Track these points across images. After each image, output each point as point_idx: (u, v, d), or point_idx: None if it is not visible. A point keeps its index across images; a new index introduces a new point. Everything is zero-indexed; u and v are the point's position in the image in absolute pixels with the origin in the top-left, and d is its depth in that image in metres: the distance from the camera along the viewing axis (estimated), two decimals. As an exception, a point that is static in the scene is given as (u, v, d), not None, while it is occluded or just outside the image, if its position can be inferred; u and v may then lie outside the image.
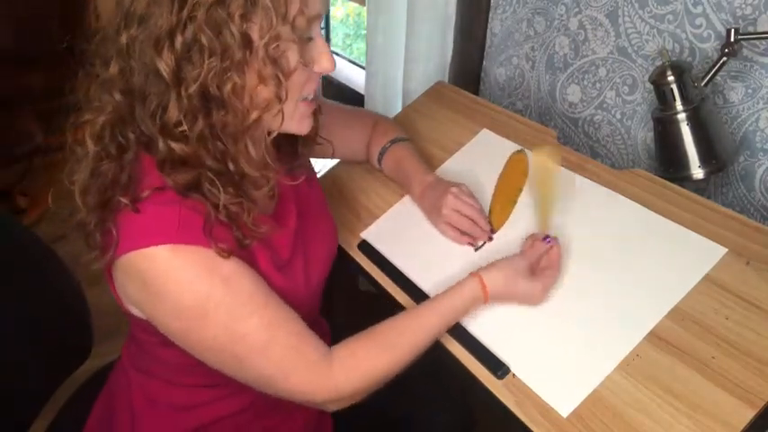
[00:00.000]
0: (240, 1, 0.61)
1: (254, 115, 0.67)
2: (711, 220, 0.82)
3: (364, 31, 1.65)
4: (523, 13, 1.32)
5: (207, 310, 0.66)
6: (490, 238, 0.94)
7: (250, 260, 0.71)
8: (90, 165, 0.68)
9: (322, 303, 0.93)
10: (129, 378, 0.86)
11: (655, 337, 0.74)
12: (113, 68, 0.66)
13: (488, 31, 1.42)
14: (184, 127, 0.64)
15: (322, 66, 0.71)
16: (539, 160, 0.95)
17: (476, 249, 0.93)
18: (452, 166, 1.09)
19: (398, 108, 1.53)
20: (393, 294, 0.93)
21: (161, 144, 0.65)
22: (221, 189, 0.67)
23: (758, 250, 0.77)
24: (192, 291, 0.66)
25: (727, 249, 0.79)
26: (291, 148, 0.86)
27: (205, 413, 0.83)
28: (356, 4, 2.28)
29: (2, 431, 0.87)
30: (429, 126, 1.19)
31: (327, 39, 2.17)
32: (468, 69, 1.47)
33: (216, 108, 0.65)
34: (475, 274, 0.80)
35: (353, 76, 1.98)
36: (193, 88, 0.62)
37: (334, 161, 1.17)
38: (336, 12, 2.45)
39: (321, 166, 1.15)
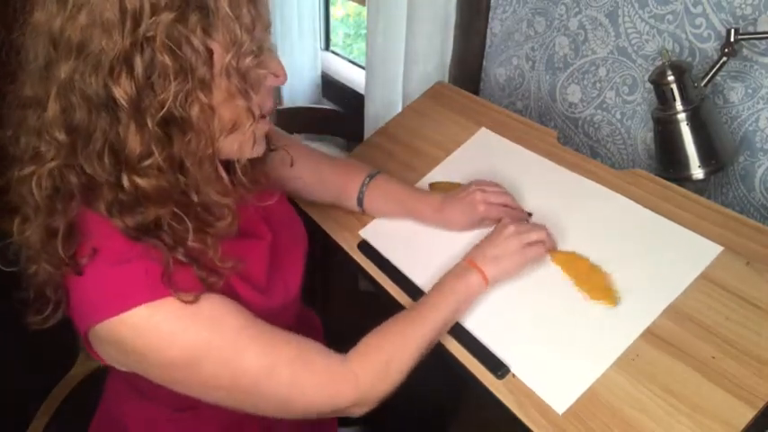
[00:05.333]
0: (199, 14, 0.57)
1: (222, 137, 0.63)
2: (711, 220, 0.82)
3: (364, 31, 1.65)
4: (523, 13, 1.32)
5: (197, 357, 0.63)
6: (530, 215, 0.95)
7: (229, 293, 0.69)
8: (43, 221, 0.62)
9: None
10: (125, 408, 0.84)
11: (655, 336, 0.74)
12: (52, 108, 0.58)
13: (488, 31, 1.42)
14: (150, 160, 0.59)
15: (275, 79, 0.68)
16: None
17: None
18: (450, 165, 1.09)
19: (398, 108, 1.53)
20: (393, 294, 0.93)
21: (126, 182, 0.59)
22: (184, 223, 0.63)
23: (758, 250, 0.77)
24: (178, 343, 0.62)
25: (723, 247, 0.79)
26: (242, 167, 0.80)
27: (206, 423, 0.82)
28: (356, 4, 2.28)
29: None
30: (429, 126, 1.19)
31: (327, 39, 2.17)
32: (468, 69, 1.47)
33: (178, 134, 0.60)
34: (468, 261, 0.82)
35: (353, 76, 1.98)
36: (158, 115, 0.57)
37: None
38: (336, 12, 2.45)
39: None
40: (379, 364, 0.72)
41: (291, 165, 0.89)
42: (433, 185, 1.07)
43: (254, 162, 0.78)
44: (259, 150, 0.71)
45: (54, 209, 0.62)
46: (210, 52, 0.59)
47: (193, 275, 0.64)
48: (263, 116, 0.69)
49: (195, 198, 0.64)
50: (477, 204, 0.92)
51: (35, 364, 0.95)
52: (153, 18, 0.55)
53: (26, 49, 0.60)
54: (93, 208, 0.63)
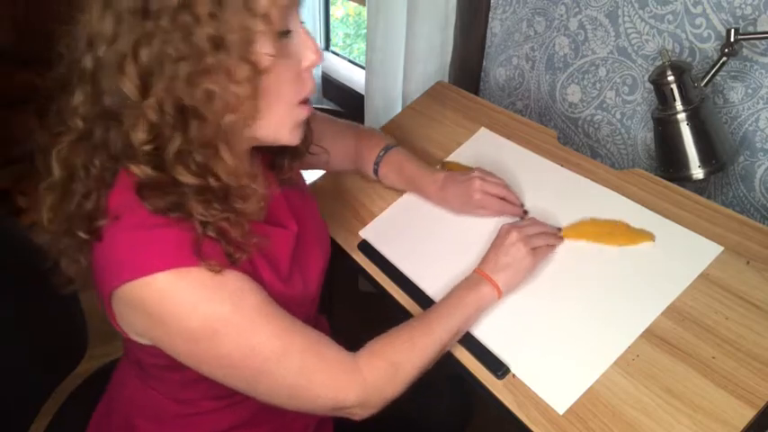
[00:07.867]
0: (208, 1, 0.57)
1: (228, 120, 0.62)
2: (711, 219, 0.82)
3: (364, 31, 1.65)
4: (523, 13, 1.32)
5: (216, 330, 0.64)
6: (525, 212, 0.95)
7: (253, 274, 0.70)
8: (59, 190, 0.66)
9: (322, 303, 0.93)
10: (130, 395, 0.84)
11: (655, 336, 0.74)
12: (79, 95, 0.63)
13: (488, 31, 1.42)
14: (159, 146, 0.61)
15: (308, 59, 0.67)
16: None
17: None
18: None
19: (398, 108, 1.53)
20: (393, 294, 0.93)
21: (137, 169, 0.62)
22: (206, 207, 0.64)
23: (758, 250, 0.77)
24: (199, 313, 0.63)
25: (723, 248, 0.79)
26: (280, 162, 0.82)
27: (211, 422, 0.82)
28: (356, 4, 2.27)
29: (1, 432, 0.87)
30: (429, 126, 1.19)
31: (327, 39, 2.17)
32: (468, 69, 1.47)
33: (192, 120, 0.61)
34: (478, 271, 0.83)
35: (353, 76, 1.98)
36: (166, 101, 0.59)
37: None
38: (336, 12, 2.45)
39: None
40: (387, 367, 0.72)
41: (325, 165, 1.01)
42: (445, 164, 1.09)
43: (291, 158, 0.81)
44: (295, 138, 0.70)
45: (73, 178, 0.66)
46: (219, 38, 0.58)
47: (220, 251, 0.65)
48: (304, 102, 0.69)
49: (213, 183, 0.65)
50: (474, 191, 0.93)
51: (38, 363, 0.94)
52: (160, 5, 0.57)
53: (69, 41, 0.64)
54: (121, 185, 0.65)
